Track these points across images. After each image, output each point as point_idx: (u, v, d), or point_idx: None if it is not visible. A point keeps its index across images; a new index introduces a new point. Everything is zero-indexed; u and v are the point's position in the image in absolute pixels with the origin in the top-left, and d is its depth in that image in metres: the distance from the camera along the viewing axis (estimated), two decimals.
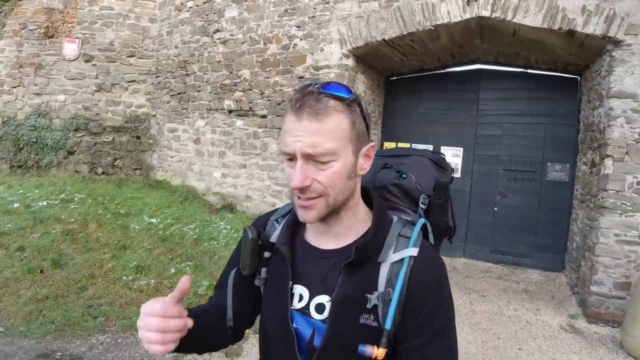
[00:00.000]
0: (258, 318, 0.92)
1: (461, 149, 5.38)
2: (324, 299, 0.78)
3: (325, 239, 0.82)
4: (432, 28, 4.28)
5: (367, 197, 0.85)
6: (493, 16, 3.99)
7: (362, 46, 4.63)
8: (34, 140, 6.35)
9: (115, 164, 6.33)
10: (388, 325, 0.71)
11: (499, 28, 4.21)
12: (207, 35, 5.89)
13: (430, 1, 4.25)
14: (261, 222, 0.92)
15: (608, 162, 3.63)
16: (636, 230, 3.57)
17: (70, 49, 6.58)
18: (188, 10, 6.20)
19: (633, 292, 3.36)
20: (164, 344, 0.69)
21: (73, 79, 6.58)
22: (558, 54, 4.42)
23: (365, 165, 0.78)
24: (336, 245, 0.80)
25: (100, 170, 6.37)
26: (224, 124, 5.82)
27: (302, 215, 0.75)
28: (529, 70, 5.11)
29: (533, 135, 5.05)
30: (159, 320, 0.68)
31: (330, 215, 0.76)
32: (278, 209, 0.95)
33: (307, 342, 0.78)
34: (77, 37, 6.58)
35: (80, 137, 6.43)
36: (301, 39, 5.01)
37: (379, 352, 0.70)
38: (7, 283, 3.65)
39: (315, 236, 0.84)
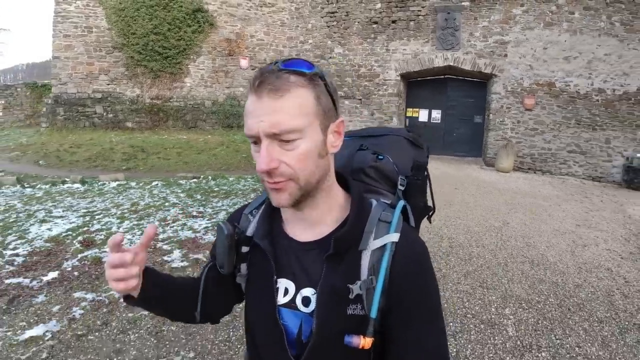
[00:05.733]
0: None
1: (440, 110, 14.42)
2: (309, 291, 0.84)
3: (303, 228, 0.88)
4: (431, 67, 13.14)
5: (343, 181, 0.91)
6: (454, 64, 12.91)
7: (405, 72, 13.36)
8: (235, 112, 14.28)
9: None
10: (374, 313, 0.78)
11: (456, 67, 13.14)
12: (324, 59, 14.13)
13: (430, 57, 13.06)
14: (235, 217, 1.00)
15: (489, 115, 12.89)
16: (499, 136, 12.86)
17: (243, 63, 14.41)
18: (309, 44, 14.35)
19: (497, 154, 12.66)
20: (125, 282, 0.83)
21: (246, 79, 14.46)
22: (478, 75, 13.51)
23: (336, 142, 0.83)
24: (315, 235, 0.86)
25: None
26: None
27: (274, 199, 0.80)
28: (465, 77, 14.17)
29: (469, 105, 14.18)
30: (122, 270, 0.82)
31: (305, 198, 0.81)
32: (250, 202, 1.02)
33: (294, 337, 0.85)
34: (247, 56, 14.42)
35: None
36: (377, 67, 13.57)
37: (366, 341, 0.76)
38: None
39: (293, 226, 0.90)
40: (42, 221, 6.01)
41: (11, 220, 6.12)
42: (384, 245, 0.81)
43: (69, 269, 4.47)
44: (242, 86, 14.59)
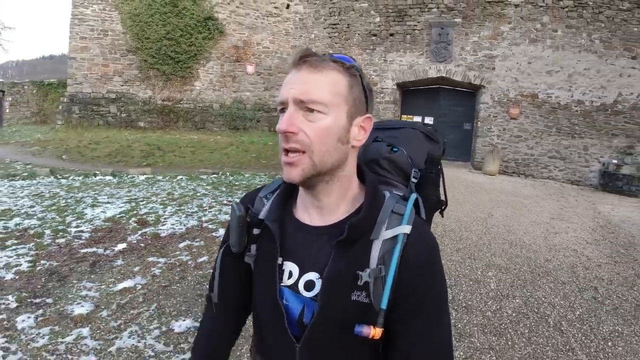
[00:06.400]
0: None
1: (433, 117, 15.59)
2: (314, 276, 0.87)
3: (315, 214, 0.91)
4: (425, 78, 14.31)
5: (359, 172, 0.94)
6: (446, 76, 14.10)
7: (400, 82, 14.51)
8: (241, 115, 15.27)
9: None
10: (384, 304, 0.80)
11: (448, 78, 14.32)
12: None
13: (425, 69, 14.23)
14: (249, 199, 1.03)
15: (478, 122, 14.10)
16: (486, 142, 14.06)
17: (250, 69, 15.42)
18: None
19: (484, 158, 13.86)
20: None
21: (252, 84, 15.50)
22: (467, 86, 14.71)
23: (359, 136, 0.87)
24: (327, 221, 0.90)
25: (272, 129, 15.47)
26: None
27: (286, 173, 0.84)
28: (456, 88, 15.36)
29: (459, 113, 15.38)
30: None
31: (317, 180, 0.85)
32: (266, 185, 1.06)
33: (297, 318, 0.89)
34: (253, 63, 15.42)
35: (260, 114, 15.49)
36: (375, 76, 14.69)
37: (376, 332, 0.79)
38: None
39: (305, 211, 0.93)
40: (93, 205, 6.95)
41: (62, 204, 7.04)
42: (396, 237, 0.83)
43: (134, 241, 5.44)
44: (248, 90, 15.61)
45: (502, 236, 6.39)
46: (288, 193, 0.97)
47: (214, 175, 10.00)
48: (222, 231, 5.83)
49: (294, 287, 0.89)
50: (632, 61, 12.81)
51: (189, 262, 4.81)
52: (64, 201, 7.25)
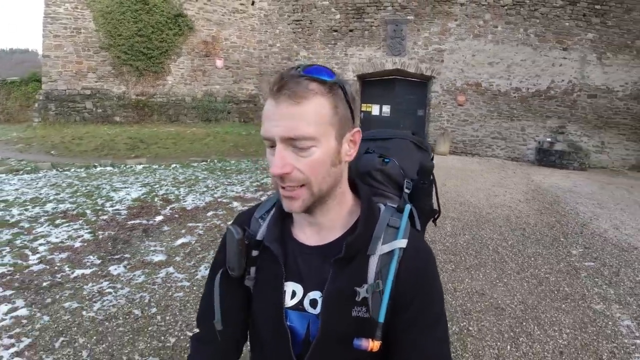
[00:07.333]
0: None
1: (389, 105, 17.55)
2: (317, 294, 0.90)
3: (313, 233, 0.94)
4: (382, 70, 16.21)
5: (352, 185, 0.97)
6: (401, 68, 16.03)
7: (360, 74, 16.32)
8: (212, 107, 16.57)
9: (250, 117, 16.95)
10: (381, 318, 0.83)
11: (403, 70, 16.25)
12: (291, 61, 16.75)
13: (382, 62, 16.13)
14: (244, 220, 1.04)
15: (429, 109, 16.23)
16: (437, 126, 16.18)
17: (219, 63, 16.71)
18: (277, 48, 16.91)
19: (436, 141, 15.97)
20: None
21: (221, 77, 16.81)
22: (420, 77, 16.72)
23: (350, 151, 0.89)
24: (324, 239, 0.93)
25: (242, 120, 16.89)
26: None
27: (287, 205, 0.86)
28: (410, 78, 17.36)
29: (413, 101, 17.39)
30: None
31: (316, 204, 0.88)
32: (259, 204, 1.07)
33: (302, 338, 0.91)
34: (222, 57, 16.73)
35: (230, 105, 16.85)
36: (337, 69, 16.39)
37: (375, 344, 0.82)
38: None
39: (302, 231, 0.96)
40: (114, 190, 8.26)
41: (85, 191, 8.26)
42: (392, 251, 0.87)
43: (168, 214, 6.89)
44: (218, 84, 16.93)
45: (454, 199, 8.34)
46: (284, 212, 0.96)
47: (204, 163, 11.41)
48: (235, 203, 7.39)
49: (298, 307, 0.92)
50: (563, 52, 15.09)
51: (222, 225, 6.36)
52: (84, 188, 8.46)
